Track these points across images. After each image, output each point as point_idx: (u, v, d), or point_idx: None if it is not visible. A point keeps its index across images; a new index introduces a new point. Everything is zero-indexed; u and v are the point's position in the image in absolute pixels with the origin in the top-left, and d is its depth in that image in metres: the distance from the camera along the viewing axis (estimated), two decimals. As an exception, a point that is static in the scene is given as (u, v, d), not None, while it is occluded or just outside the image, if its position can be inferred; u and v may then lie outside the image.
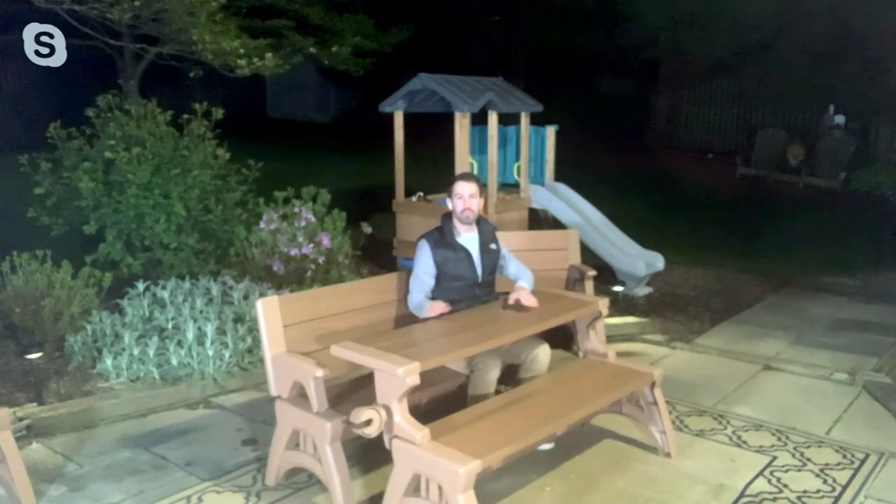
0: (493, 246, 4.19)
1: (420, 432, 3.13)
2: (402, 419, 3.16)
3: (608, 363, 4.20)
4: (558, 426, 3.68)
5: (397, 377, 3.09)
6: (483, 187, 4.22)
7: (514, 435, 3.29)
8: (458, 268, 4.06)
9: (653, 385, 4.03)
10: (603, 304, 4.15)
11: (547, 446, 4.03)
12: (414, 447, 3.12)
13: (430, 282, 4.05)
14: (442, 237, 4.10)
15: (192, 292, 5.41)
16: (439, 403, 3.86)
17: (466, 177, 4.16)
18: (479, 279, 4.12)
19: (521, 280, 4.21)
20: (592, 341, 4.30)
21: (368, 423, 3.14)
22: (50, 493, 3.69)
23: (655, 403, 4.05)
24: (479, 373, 3.81)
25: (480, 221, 4.20)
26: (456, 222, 4.11)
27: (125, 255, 6.18)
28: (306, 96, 20.41)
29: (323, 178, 7.42)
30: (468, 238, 4.13)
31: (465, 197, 4.05)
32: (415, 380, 3.10)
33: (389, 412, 3.17)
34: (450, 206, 4.13)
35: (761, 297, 7.41)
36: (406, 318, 4.14)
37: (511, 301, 3.96)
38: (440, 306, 3.91)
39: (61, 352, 5.14)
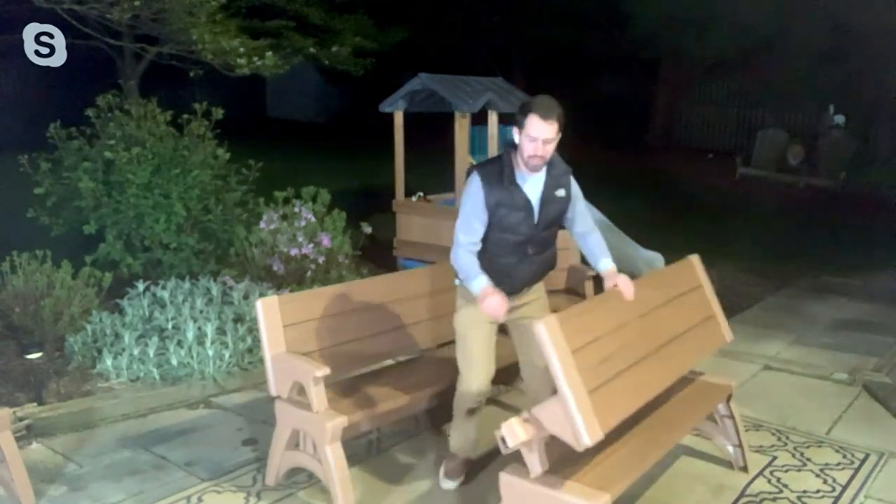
0: (559, 192, 3.35)
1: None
2: None
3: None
4: (667, 447, 3.41)
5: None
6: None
7: (633, 463, 3.04)
8: (512, 218, 3.26)
9: (729, 397, 3.88)
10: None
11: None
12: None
13: (480, 229, 3.28)
14: (500, 176, 3.25)
15: (192, 292, 5.42)
16: (441, 397, 3.86)
17: (546, 112, 3.14)
18: (536, 235, 3.35)
19: (601, 257, 3.46)
20: None
21: None
22: (50, 493, 3.68)
23: (731, 416, 3.89)
24: (467, 384, 3.51)
25: (552, 161, 3.33)
26: (520, 161, 3.26)
27: (125, 255, 6.18)
28: (306, 96, 20.41)
29: (323, 178, 7.42)
30: (533, 181, 3.29)
31: (538, 141, 3.14)
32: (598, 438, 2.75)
33: None
34: (515, 139, 3.25)
35: (761, 297, 7.41)
36: (406, 318, 4.13)
37: (608, 288, 3.37)
38: (498, 305, 3.20)
39: (61, 352, 5.14)
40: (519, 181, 3.26)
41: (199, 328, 4.97)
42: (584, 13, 14.57)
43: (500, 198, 3.23)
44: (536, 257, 3.40)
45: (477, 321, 3.41)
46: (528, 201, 3.27)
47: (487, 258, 3.31)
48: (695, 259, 4.09)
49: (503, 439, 2.76)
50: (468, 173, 3.34)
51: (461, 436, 3.68)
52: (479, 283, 3.24)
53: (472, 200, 3.26)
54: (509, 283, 3.37)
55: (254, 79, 9.64)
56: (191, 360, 4.86)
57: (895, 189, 12.39)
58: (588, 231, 3.53)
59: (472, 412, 3.59)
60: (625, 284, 3.32)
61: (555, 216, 3.38)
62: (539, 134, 3.12)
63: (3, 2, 7.86)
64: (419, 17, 14.67)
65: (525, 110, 3.19)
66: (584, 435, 2.68)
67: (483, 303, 3.21)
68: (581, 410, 2.69)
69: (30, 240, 5.68)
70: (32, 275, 5.24)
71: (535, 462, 2.80)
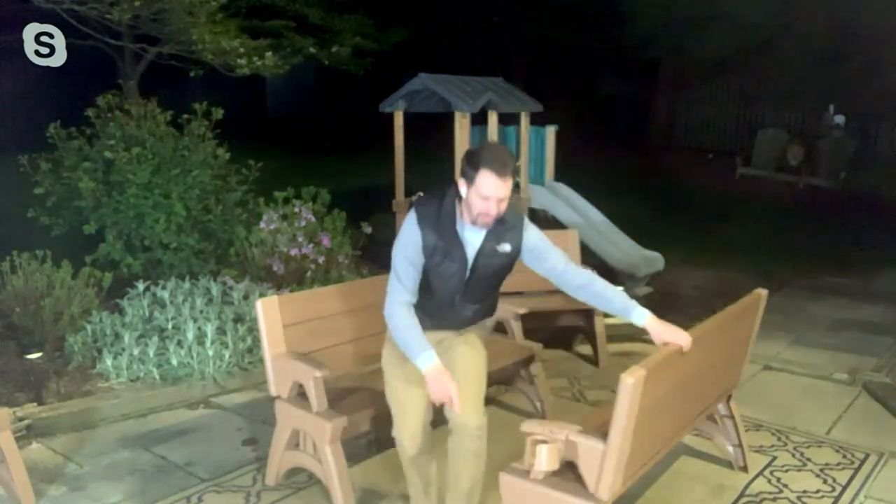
0: (503, 248, 2.93)
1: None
2: None
3: None
4: (667, 447, 3.30)
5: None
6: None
7: (641, 460, 2.98)
8: (445, 268, 2.90)
9: (729, 397, 3.87)
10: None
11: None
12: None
13: (416, 276, 2.93)
14: (438, 218, 2.87)
15: (192, 292, 5.42)
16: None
17: (502, 167, 2.72)
18: (464, 288, 2.97)
19: (631, 307, 2.96)
20: None
21: None
22: (50, 493, 3.69)
23: (731, 416, 3.89)
24: (397, 431, 3.16)
25: (502, 216, 2.89)
26: (466, 213, 2.87)
27: (125, 255, 6.18)
28: (306, 96, 20.42)
29: (323, 177, 7.42)
30: (474, 231, 2.90)
31: (491, 200, 2.75)
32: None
33: None
34: (463, 193, 2.83)
35: (761, 297, 7.39)
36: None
37: (661, 344, 2.91)
38: (446, 392, 2.86)
39: (61, 352, 5.14)
40: (459, 230, 2.88)
41: (199, 328, 4.97)
42: (585, 13, 14.58)
43: (435, 242, 2.85)
44: (469, 305, 3.04)
45: (405, 361, 3.00)
46: (464, 255, 2.90)
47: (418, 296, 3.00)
48: (763, 294, 3.88)
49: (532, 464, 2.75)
50: (410, 206, 2.96)
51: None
52: (426, 360, 2.87)
53: (408, 242, 2.88)
54: (433, 323, 3.04)
55: (254, 79, 9.65)
56: (191, 360, 4.87)
57: (895, 189, 12.40)
58: (583, 278, 3.03)
59: (416, 463, 3.15)
60: (682, 339, 2.87)
61: (495, 271, 2.98)
62: (493, 193, 2.72)
63: (3, 2, 7.86)
64: (419, 17, 14.68)
65: (475, 164, 2.73)
66: (604, 490, 2.65)
67: (432, 386, 2.87)
68: (615, 469, 2.64)
69: (30, 240, 5.68)
70: (32, 275, 5.24)
71: (543, 469, 2.80)
